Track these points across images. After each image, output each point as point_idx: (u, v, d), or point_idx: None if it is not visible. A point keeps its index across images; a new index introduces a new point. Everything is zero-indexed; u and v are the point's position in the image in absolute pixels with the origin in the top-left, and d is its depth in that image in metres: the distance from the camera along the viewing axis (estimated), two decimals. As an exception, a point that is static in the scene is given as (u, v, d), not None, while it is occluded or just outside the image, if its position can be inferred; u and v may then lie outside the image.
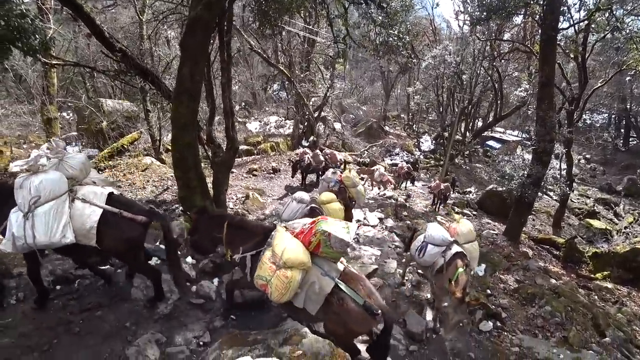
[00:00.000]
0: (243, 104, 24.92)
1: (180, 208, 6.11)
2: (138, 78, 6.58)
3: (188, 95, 4.92)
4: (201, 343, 3.44)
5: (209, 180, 6.11)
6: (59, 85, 14.34)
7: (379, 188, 12.37)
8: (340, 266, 3.01)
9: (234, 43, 16.55)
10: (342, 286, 2.77)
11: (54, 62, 6.90)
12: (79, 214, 3.15)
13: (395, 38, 6.24)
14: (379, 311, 2.72)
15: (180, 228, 4.90)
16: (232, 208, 7.44)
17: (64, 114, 15.85)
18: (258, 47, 14.15)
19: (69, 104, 15.77)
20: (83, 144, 13.55)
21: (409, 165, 14.75)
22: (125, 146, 10.41)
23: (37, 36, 3.81)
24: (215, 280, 4.33)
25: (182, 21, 8.55)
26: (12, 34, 3.59)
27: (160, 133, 12.09)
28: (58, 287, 3.81)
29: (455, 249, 4.15)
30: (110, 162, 9.55)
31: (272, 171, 12.40)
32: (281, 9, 6.12)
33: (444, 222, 4.21)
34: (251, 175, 11.84)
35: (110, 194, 3.40)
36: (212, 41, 5.89)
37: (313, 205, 4.56)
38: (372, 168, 12.73)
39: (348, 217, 5.40)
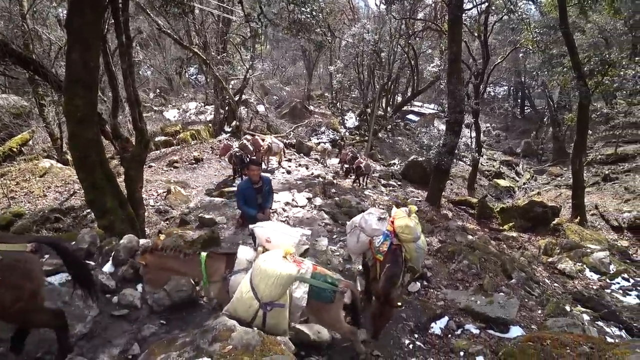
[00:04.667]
0: (158, 90, 22.95)
1: (92, 213, 5.46)
2: (16, 67, 5.56)
3: (82, 85, 4.29)
4: (129, 357, 3.16)
5: (122, 179, 5.52)
6: None
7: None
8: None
9: (140, 23, 14.94)
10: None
11: None
12: None
13: (309, 16, 6.14)
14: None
15: (91, 236, 4.37)
16: (152, 205, 6.88)
17: None
18: (168, 28, 12.95)
19: None
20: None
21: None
22: (15, 149, 8.89)
23: None
24: (139, 287, 3.98)
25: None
26: None
27: (61, 130, 10.56)
28: None
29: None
30: (-3, 170, 8.13)
31: (194, 161, 11.75)
32: (186, -16, 5.61)
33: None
34: (172, 168, 11.10)
35: None
36: (106, 21, 5.19)
37: None
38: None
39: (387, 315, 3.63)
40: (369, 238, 3.98)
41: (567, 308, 5.04)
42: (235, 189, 8.37)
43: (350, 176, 12.06)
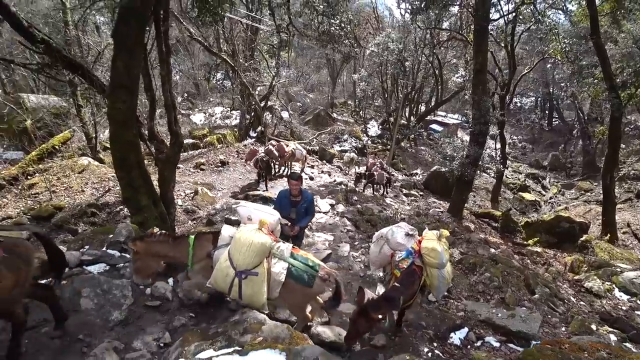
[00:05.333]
0: (186, 94, 23.75)
1: (126, 209, 5.78)
2: (66, 71, 6.01)
3: (125, 90, 4.62)
4: (161, 344, 3.35)
5: (154, 178, 5.83)
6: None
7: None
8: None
9: (172, 31, 15.64)
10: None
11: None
12: None
13: (337, 27, 6.32)
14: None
15: (127, 230, 4.65)
16: (180, 205, 7.19)
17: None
18: (198, 35, 13.51)
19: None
20: (4, 146, 12.10)
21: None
22: (57, 147, 9.49)
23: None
24: (170, 280, 4.21)
25: (112, 8, 7.90)
26: None
27: (96, 130, 11.17)
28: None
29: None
30: (40, 166, 8.67)
31: (220, 164, 12.11)
32: (221, -4, 5.92)
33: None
34: (199, 170, 11.48)
35: None
36: (148, 30, 5.54)
37: None
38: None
39: None
40: (391, 251, 3.94)
41: (593, 327, 4.90)
42: (259, 193, 8.64)
43: (360, 183, 12.07)
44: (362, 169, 12.27)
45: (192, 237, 3.48)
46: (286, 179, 11.16)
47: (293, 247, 3.45)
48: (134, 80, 4.78)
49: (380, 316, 3.06)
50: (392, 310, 3.38)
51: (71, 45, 10.70)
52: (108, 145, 11.50)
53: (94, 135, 11.10)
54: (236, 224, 6.50)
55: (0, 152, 12.03)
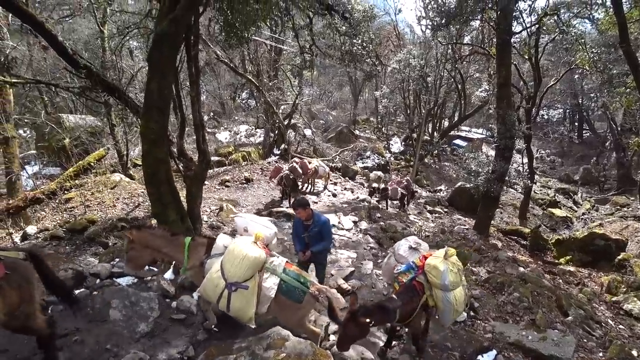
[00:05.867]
0: (212, 113, 24.64)
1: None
2: (103, 93, 6.44)
3: (157, 110, 4.90)
4: (185, 358, 3.44)
5: (182, 194, 6.06)
6: (14, 101, 13.66)
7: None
8: None
9: (201, 54, 16.43)
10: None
11: (13, 80, 6.65)
12: None
13: (360, 47, 6.47)
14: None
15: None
16: (206, 221, 7.39)
17: (21, 131, 15.05)
18: (225, 57, 14.12)
19: (26, 120, 14.97)
20: (44, 162, 12.93)
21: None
22: (92, 164, 10.06)
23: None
24: (195, 295, 4.31)
25: (147, 34, 8.44)
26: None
27: (127, 148, 11.76)
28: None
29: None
30: (76, 181, 9.19)
31: (244, 181, 12.35)
32: (247, 21, 6.21)
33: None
34: (224, 187, 11.75)
35: None
36: (179, 54, 5.88)
37: None
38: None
39: None
40: (395, 263, 3.88)
41: (634, 353, 4.59)
42: (283, 209, 8.75)
43: (373, 196, 11.95)
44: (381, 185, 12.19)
45: (188, 238, 3.49)
46: (310, 196, 11.36)
47: (287, 262, 3.40)
48: (166, 101, 5.06)
49: (370, 322, 2.93)
50: (385, 322, 3.29)
51: (108, 69, 11.44)
52: (138, 162, 12.12)
53: (126, 152, 11.68)
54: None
55: (40, 168, 12.88)
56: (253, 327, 3.19)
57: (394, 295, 3.46)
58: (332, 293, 3.51)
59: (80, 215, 7.20)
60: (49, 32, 4.82)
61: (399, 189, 11.29)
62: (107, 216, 7.32)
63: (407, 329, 3.78)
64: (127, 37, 10.68)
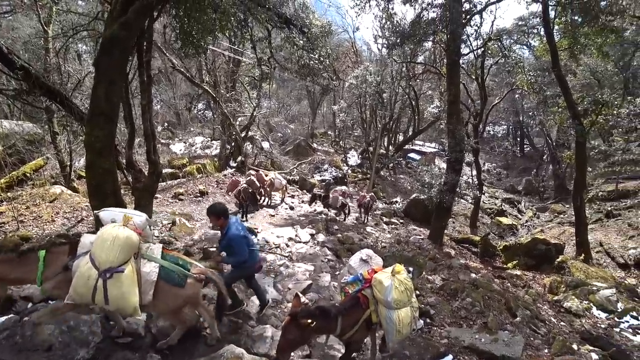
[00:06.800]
0: (166, 124, 23.73)
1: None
2: (43, 98, 5.92)
3: (104, 118, 4.58)
4: (132, 385, 3.15)
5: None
6: None
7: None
8: None
9: (154, 61, 15.83)
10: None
11: None
12: None
13: (317, 61, 6.59)
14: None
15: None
16: (157, 236, 6.97)
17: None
18: (181, 66, 13.72)
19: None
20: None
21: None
22: (28, 174, 9.14)
23: None
24: (143, 315, 4.00)
25: (95, 37, 7.96)
26: None
27: (72, 158, 10.86)
28: None
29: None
30: (9, 194, 8.28)
31: (199, 194, 11.94)
32: (204, 30, 6.07)
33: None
34: (177, 200, 11.26)
35: None
36: (130, 59, 5.60)
37: None
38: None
39: None
40: (346, 274, 3.92)
41: (575, 347, 4.96)
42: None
43: (315, 203, 12.11)
44: (321, 191, 12.39)
45: (43, 251, 3.03)
46: (267, 209, 11.19)
47: (164, 248, 3.23)
48: (114, 108, 4.75)
49: (311, 324, 2.82)
50: (327, 328, 3.17)
51: (51, 73, 10.58)
52: (83, 174, 11.23)
53: (69, 163, 10.77)
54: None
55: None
56: (140, 317, 3.02)
57: (336, 304, 3.41)
58: (217, 277, 3.38)
59: (12, 232, 6.48)
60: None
61: (340, 198, 11.44)
62: (45, 232, 6.66)
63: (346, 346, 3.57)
64: (74, 39, 10.01)
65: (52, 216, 7.42)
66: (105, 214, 3.35)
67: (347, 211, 11.90)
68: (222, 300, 3.19)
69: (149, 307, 3.04)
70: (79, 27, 8.09)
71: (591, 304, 7.25)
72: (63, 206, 7.93)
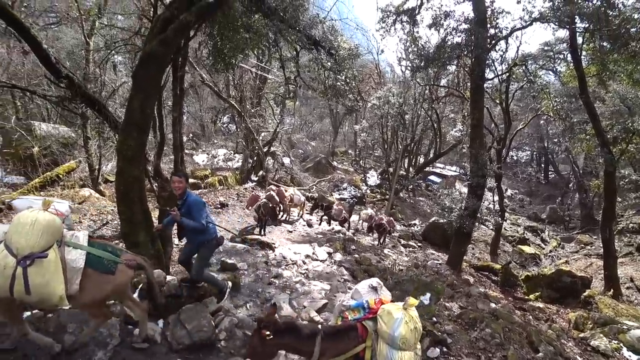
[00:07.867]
0: (191, 135, 24.46)
1: (122, 244, 5.72)
2: (82, 105, 6.28)
3: (137, 128, 4.80)
4: (144, 391, 3.19)
5: (155, 215, 5.84)
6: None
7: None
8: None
9: (186, 76, 16.54)
10: None
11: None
12: None
13: (343, 83, 6.73)
14: None
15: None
16: (176, 245, 7.11)
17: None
18: (209, 80, 14.26)
19: (-6, 125, 14.21)
20: (7, 170, 12.19)
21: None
22: (61, 176, 9.57)
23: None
24: (160, 322, 4.07)
25: (134, 51, 8.43)
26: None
27: (100, 162, 11.35)
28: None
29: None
30: (41, 193, 8.70)
31: (219, 206, 12.11)
32: (236, 48, 6.34)
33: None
34: (198, 210, 11.43)
35: None
36: (165, 75, 5.89)
37: None
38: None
39: None
40: (349, 299, 3.77)
41: (602, 392, 4.64)
42: (257, 237, 8.58)
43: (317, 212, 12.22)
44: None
45: None
46: (285, 225, 11.25)
47: (90, 236, 3.01)
48: (147, 119, 4.98)
49: (270, 337, 2.50)
50: (299, 349, 2.78)
51: (89, 81, 11.24)
52: (110, 178, 11.68)
53: (98, 167, 11.26)
54: (233, 268, 6.42)
55: (2, 176, 12.11)
56: (67, 307, 2.71)
57: (322, 328, 2.92)
58: (148, 264, 3.25)
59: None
60: (34, 39, 4.71)
61: (344, 212, 11.49)
62: (72, 233, 6.92)
63: None
64: (114, 52, 10.62)
65: (79, 218, 7.72)
66: (19, 202, 3.12)
67: (347, 226, 11.98)
68: (153, 291, 3.06)
69: (74, 298, 2.76)
70: (121, 41, 8.59)
71: (621, 344, 6.79)
72: (90, 209, 8.26)
